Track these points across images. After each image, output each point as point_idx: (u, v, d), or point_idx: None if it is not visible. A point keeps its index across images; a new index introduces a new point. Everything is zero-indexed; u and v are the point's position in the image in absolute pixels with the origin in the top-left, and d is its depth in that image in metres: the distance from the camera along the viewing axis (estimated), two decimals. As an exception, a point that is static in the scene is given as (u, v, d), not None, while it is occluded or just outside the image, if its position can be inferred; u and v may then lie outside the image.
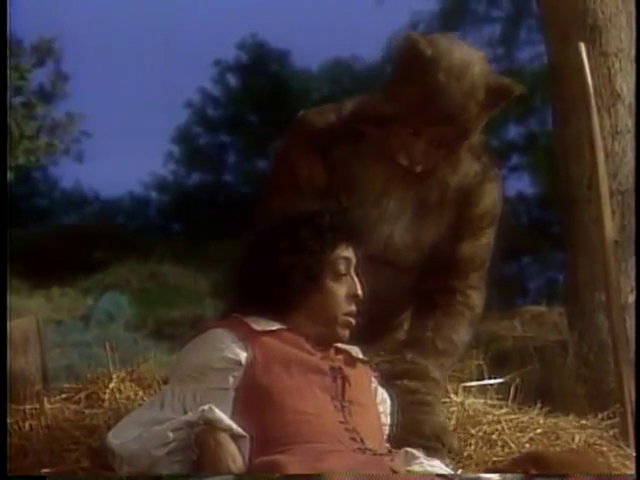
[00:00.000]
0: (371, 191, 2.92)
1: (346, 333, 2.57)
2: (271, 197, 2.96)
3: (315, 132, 2.94)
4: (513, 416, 3.08)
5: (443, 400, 3.01)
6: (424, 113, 2.77)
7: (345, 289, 2.56)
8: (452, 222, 2.97)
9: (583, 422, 3.16)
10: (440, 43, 2.81)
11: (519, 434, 2.99)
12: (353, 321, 2.56)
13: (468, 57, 2.79)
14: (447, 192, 2.95)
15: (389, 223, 2.95)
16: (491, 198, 3.00)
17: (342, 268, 2.57)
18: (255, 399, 2.40)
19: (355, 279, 2.58)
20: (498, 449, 2.89)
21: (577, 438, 3.02)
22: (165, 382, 2.89)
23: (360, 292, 2.57)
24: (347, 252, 2.58)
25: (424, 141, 2.82)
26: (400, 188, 2.93)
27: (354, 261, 2.59)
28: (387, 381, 2.81)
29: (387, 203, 2.94)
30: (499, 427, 2.99)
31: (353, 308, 2.57)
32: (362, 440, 2.39)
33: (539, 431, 3.02)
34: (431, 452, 2.70)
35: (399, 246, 2.97)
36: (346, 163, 2.92)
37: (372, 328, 2.88)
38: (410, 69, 2.79)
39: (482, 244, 3.00)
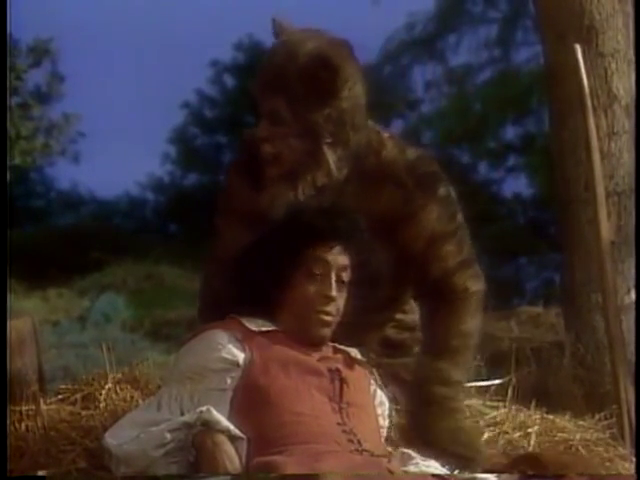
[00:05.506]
0: None
1: (324, 331, 2.52)
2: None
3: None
4: (510, 417, 3.09)
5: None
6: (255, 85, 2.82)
7: (316, 288, 2.51)
8: (403, 247, 2.83)
9: (580, 423, 3.17)
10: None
11: (516, 435, 3.00)
12: (329, 319, 2.51)
13: (306, 37, 2.82)
14: (373, 224, 2.73)
15: None
16: (430, 223, 2.83)
17: (317, 269, 2.51)
18: (253, 400, 2.40)
19: (332, 282, 2.51)
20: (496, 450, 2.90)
21: (574, 439, 3.02)
22: (162, 383, 2.89)
23: (334, 294, 2.50)
24: (329, 255, 2.52)
25: (265, 116, 2.81)
26: None
27: (337, 265, 2.53)
28: (412, 386, 2.86)
29: None
30: (497, 428, 3.00)
31: (328, 308, 2.51)
32: (359, 442, 2.39)
33: (536, 431, 3.02)
34: (467, 461, 2.71)
35: None
36: None
37: (353, 331, 2.82)
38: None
39: (449, 251, 2.86)
